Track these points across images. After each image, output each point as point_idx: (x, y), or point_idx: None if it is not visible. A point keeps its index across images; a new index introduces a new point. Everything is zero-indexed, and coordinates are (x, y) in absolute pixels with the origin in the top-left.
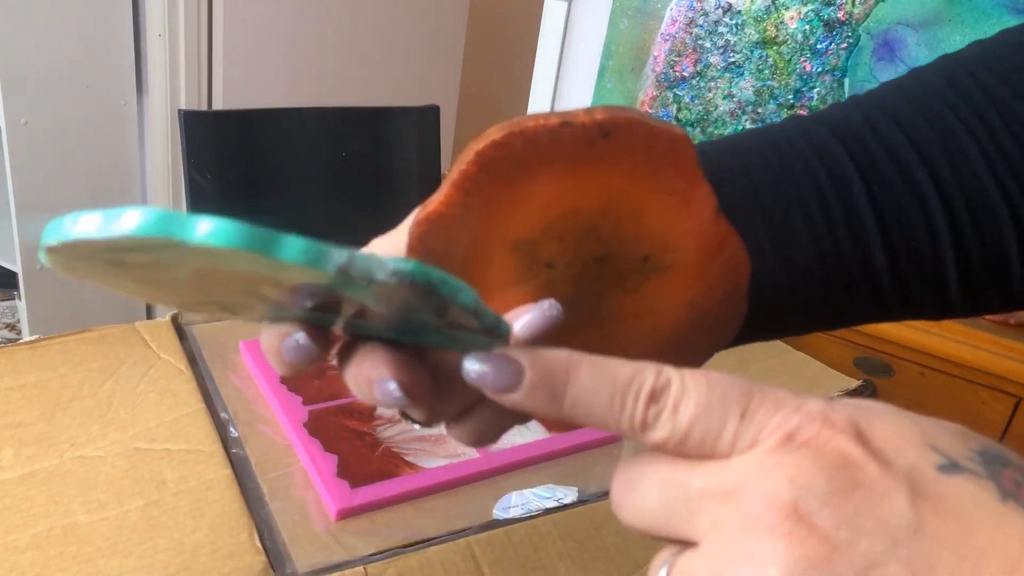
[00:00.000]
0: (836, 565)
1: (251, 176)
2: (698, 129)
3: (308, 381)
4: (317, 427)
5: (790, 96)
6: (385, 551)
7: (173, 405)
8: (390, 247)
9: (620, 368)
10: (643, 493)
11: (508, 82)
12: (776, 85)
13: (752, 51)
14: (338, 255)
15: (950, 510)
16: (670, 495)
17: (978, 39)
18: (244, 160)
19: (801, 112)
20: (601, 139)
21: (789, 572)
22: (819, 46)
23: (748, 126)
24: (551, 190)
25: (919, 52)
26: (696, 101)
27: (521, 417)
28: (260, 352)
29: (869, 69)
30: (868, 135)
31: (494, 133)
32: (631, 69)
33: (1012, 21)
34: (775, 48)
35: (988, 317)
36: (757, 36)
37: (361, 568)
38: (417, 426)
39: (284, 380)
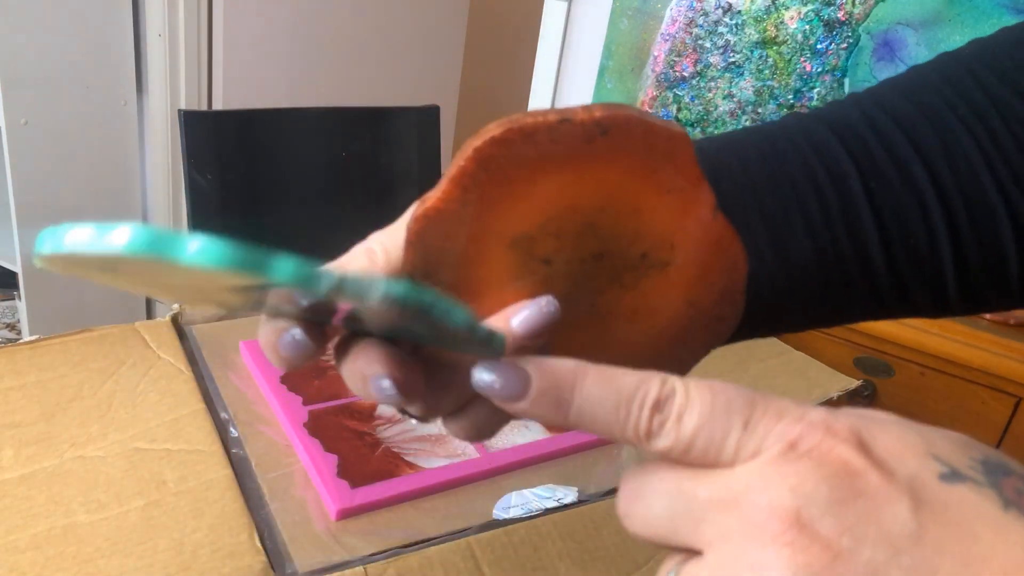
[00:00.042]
0: (839, 573)
1: (251, 176)
2: (698, 129)
3: (308, 381)
4: (317, 427)
5: (790, 96)
6: (385, 551)
7: (173, 405)
8: (388, 241)
9: (625, 377)
10: (649, 502)
11: (508, 82)
12: (776, 85)
13: (752, 51)
14: (329, 277)
15: (952, 518)
16: (675, 504)
17: (978, 37)
18: (244, 160)
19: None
20: (600, 136)
21: None
22: (819, 46)
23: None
24: (549, 187)
25: (919, 52)
26: (696, 101)
27: None
28: (260, 352)
29: (869, 69)
30: (867, 133)
31: (493, 130)
32: (631, 69)
33: (1012, 21)
34: (775, 48)
35: (988, 317)
36: (757, 36)
37: (361, 568)
38: (414, 421)
39: (284, 380)
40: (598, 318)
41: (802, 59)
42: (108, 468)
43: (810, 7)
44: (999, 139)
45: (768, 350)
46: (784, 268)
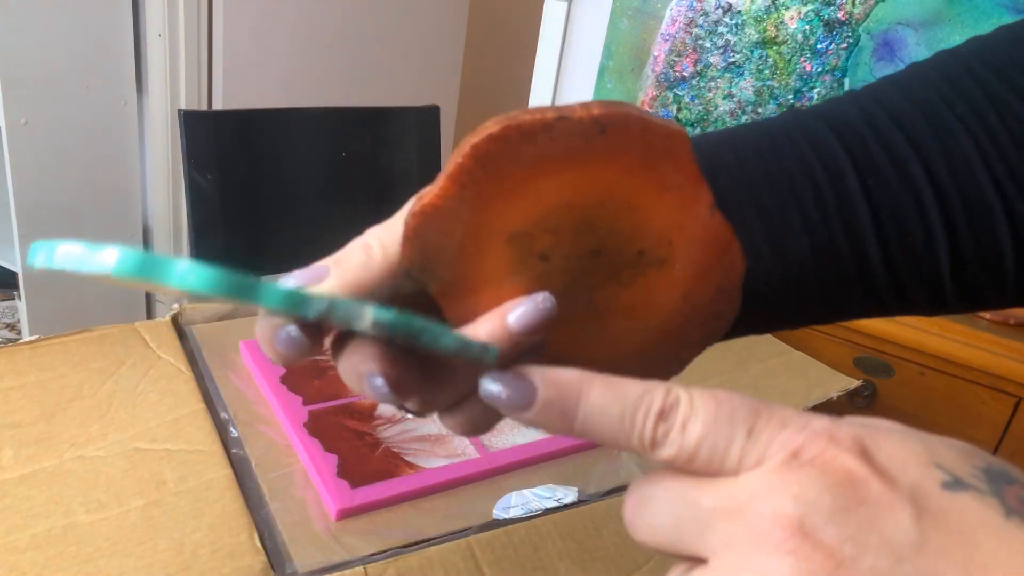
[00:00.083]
0: None
1: (251, 176)
2: (698, 129)
3: (308, 381)
4: (317, 427)
5: (790, 96)
6: (385, 551)
7: (173, 405)
8: (385, 236)
9: (630, 387)
10: (654, 511)
11: (508, 82)
12: (776, 85)
13: (752, 51)
14: (318, 303)
15: (954, 526)
16: (680, 513)
17: (977, 35)
18: (244, 160)
19: None
20: (598, 134)
21: None
22: (819, 46)
23: None
24: (547, 184)
25: (919, 52)
26: (696, 101)
27: None
28: (260, 352)
29: (869, 69)
30: (865, 130)
31: (491, 127)
32: (631, 69)
33: (1012, 20)
34: (775, 48)
35: (988, 317)
36: (757, 36)
37: (361, 568)
38: (411, 415)
39: (284, 380)
40: (595, 314)
41: (802, 59)
42: (108, 468)
43: (810, 7)
44: (997, 137)
45: (768, 350)
46: (781, 265)
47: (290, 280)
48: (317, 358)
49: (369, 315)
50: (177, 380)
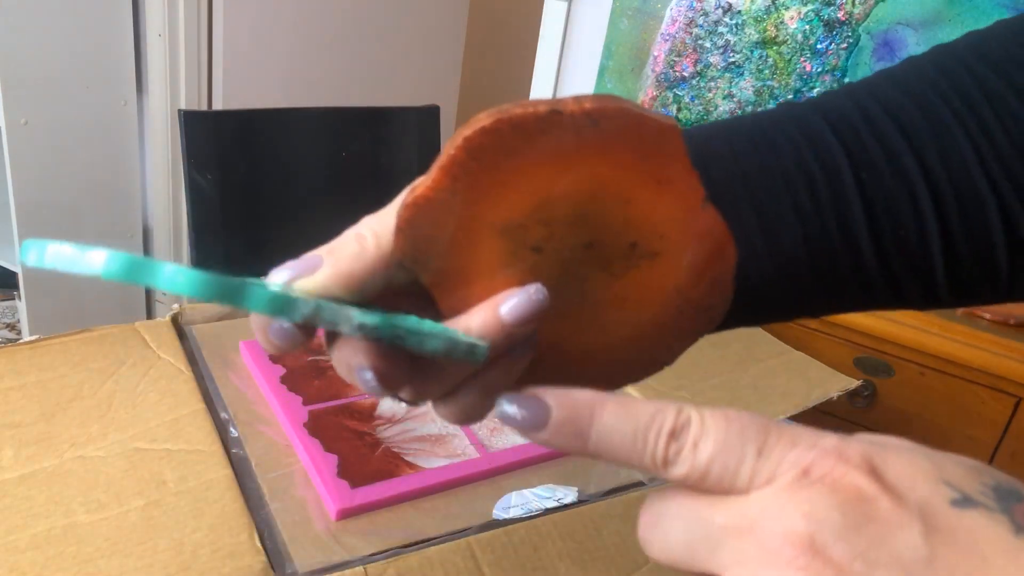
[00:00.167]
0: None
1: (251, 176)
2: None
3: (308, 381)
4: (317, 427)
5: (790, 96)
6: (385, 551)
7: (173, 405)
8: (379, 227)
9: (642, 407)
10: (667, 528)
11: (508, 82)
12: (776, 85)
13: (752, 51)
14: (304, 306)
15: (963, 544)
16: (692, 530)
17: (974, 29)
18: (244, 160)
19: None
20: (590, 127)
21: None
22: (819, 46)
23: None
24: (539, 176)
25: (919, 52)
26: (696, 101)
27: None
28: (260, 352)
29: (869, 69)
30: (859, 123)
31: (483, 119)
32: (631, 69)
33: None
34: (775, 48)
35: (988, 317)
36: (757, 36)
37: (361, 568)
38: (404, 404)
39: (284, 380)
40: (587, 306)
41: (802, 59)
42: (108, 468)
43: (810, 7)
44: (991, 133)
45: (768, 350)
46: (774, 257)
47: (283, 271)
48: (317, 358)
49: (354, 319)
50: (177, 380)
